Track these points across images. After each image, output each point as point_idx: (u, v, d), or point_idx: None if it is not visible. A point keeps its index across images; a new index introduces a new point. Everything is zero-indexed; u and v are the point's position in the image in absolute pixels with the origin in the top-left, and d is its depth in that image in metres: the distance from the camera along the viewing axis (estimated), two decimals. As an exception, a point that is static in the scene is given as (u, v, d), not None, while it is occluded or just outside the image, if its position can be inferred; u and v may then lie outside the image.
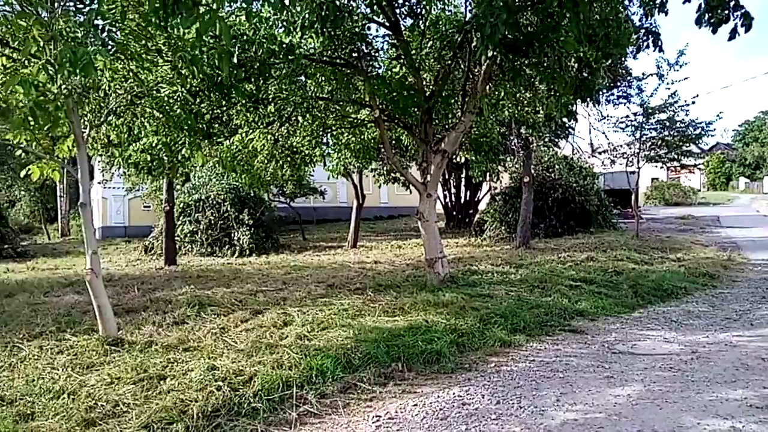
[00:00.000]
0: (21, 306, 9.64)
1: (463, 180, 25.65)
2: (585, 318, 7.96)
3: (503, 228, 20.20)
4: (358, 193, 19.85)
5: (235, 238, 18.76)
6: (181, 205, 19.81)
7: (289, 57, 8.04)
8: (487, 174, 14.93)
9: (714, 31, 7.44)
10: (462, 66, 9.94)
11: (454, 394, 5.26)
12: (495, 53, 8.43)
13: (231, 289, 10.56)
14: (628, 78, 17.98)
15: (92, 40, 4.73)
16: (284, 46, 7.99)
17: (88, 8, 4.48)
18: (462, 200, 26.53)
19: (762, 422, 4.26)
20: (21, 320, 8.36)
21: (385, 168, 20.18)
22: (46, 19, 4.74)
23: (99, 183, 26.61)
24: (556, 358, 6.25)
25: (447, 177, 25.81)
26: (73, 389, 5.08)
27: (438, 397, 5.21)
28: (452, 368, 5.99)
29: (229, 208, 19.10)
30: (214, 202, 19.38)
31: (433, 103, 9.93)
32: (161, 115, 7.28)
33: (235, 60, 7.74)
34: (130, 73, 6.51)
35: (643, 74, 18.05)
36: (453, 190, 26.42)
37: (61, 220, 36.92)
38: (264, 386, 5.12)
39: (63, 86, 5.33)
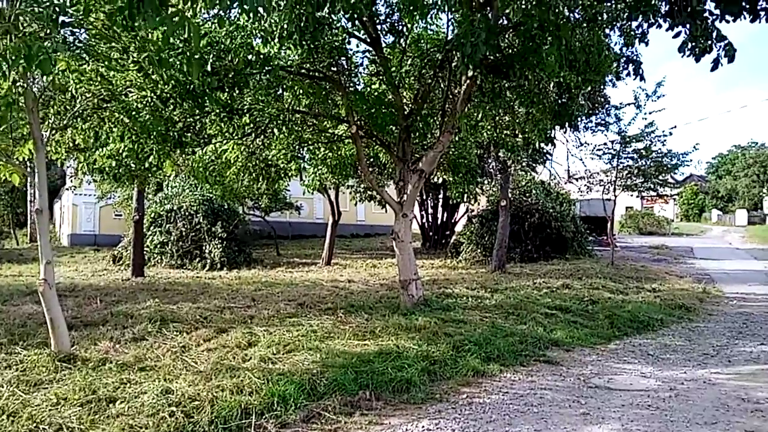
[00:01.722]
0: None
1: (440, 200, 25.51)
2: (560, 348, 7.75)
3: (479, 251, 20.06)
4: (334, 210, 19.54)
5: (207, 250, 18.28)
6: (152, 215, 19.30)
7: (266, 68, 7.78)
8: (465, 195, 14.71)
9: (697, 60, 7.40)
10: (442, 85, 9.77)
11: (423, 427, 4.98)
12: (475, 73, 8.28)
13: (197, 305, 10.16)
14: (607, 106, 18.07)
15: (51, 35, 4.42)
16: (261, 56, 7.73)
17: (48, 2, 4.17)
18: (439, 221, 26.36)
19: (744, 469, 4.05)
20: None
21: (361, 185, 19.94)
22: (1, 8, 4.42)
23: (68, 189, 25.90)
24: (530, 390, 6.01)
25: (424, 197, 25.66)
26: (15, 409, 4.68)
27: (406, 430, 4.92)
28: (422, 398, 5.71)
29: (201, 220, 18.65)
30: (186, 213, 18.91)
31: (411, 121, 9.75)
32: (128, 121, 6.95)
33: (208, 68, 7.47)
34: (97, 75, 6.18)
35: (621, 103, 18.16)
36: (430, 211, 26.24)
37: (31, 225, 35.93)
38: (221, 413, 4.79)
39: (18, 84, 4.99)
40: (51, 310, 6.12)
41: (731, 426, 4.88)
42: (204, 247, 18.38)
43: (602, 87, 17.66)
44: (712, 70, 7.31)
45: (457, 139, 12.85)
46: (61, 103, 7.87)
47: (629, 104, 17.85)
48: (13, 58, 4.04)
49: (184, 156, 11.43)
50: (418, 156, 10.41)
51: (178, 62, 5.60)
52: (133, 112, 7.11)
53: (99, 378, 5.52)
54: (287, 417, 5.01)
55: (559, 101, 9.95)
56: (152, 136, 7.51)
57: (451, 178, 13.89)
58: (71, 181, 24.04)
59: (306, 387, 5.51)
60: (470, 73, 8.52)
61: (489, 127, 12.06)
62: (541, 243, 20.13)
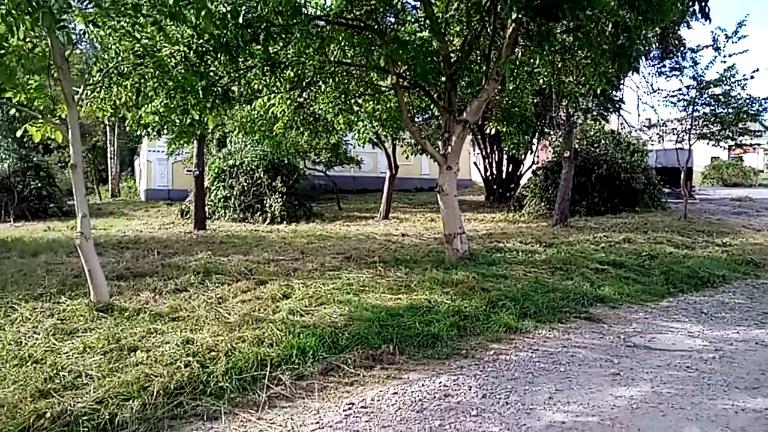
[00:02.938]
0: (39, 266, 9.69)
1: (505, 153, 24.76)
2: (606, 305, 7.37)
3: (543, 204, 19.42)
4: (391, 164, 19.36)
5: (267, 205, 18.64)
6: (216, 170, 19.81)
7: (298, 18, 7.59)
8: (520, 146, 14.10)
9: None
10: (488, 30, 9.26)
11: (440, 383, 4.86)
12: (520, 15, 7.74)
13: (247, 257, 10.37)
14: (681, 49, 16.71)
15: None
16: (294, 5, 7.53)
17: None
18: (504, 174, 25.68)
19: (779, 439, 3.70)
20: (32, 280, 8.39)
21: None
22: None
23: (141, 145, 26.95)
24: (562, 348, 5.75)
25: (488, 150, 25.00)
26: (42, 356, 4.92)
27: (423, 385, 4.82)
28: (447, 354, 5.58)
29: (262, 175, 18.97)
30: (248, 169, 19.28)
31: (456, 69, 9.32)
32: (163, 76, 6.99)
33: (240, 20, 7.36)
34: (125, 32, 6.20)
35: (698, 46, 16.70)
36: (494, 164, 25.57)
37: (112, 182, 37.93)
38: (237, 364, 4.83)
39: (28, 39, 5.07)
40: (89, 261, 6.36)
41: (774, 392, 4.48)
42: (265, 202, 18.75)
43: (676, 28, 16.38)
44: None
45: (511, 87, 12.31)
46: (103, 61, 8.07)
47: (707, 46, 16.43)
48: (18, 12, 4.07)
49: (231, 111, 11.54)
50: (464, 106, 10.02)
51: (192, 16, 5.50)
52: (168, 68, 7.12)
53: (129, 327, 5.72)
54: (305, 369, 5.01)
55: (618, 43, 9.23)
56: (188, 91, 7.52)
57: (504, 129, 13.35)
58: (149, 136, 25.06)
59: (327, 340, 5.49)
60: (514, 16, 7.99)
61: (546, 74, 11.42)
62: (609, 195, 19.21)
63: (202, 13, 5.22)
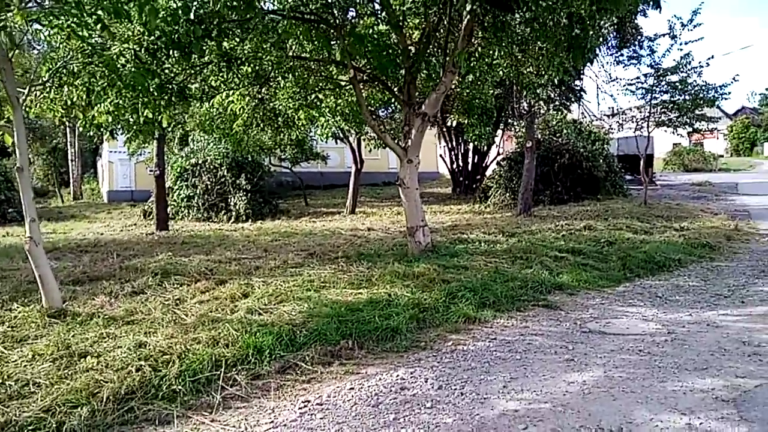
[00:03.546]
0: (-7, 272, 9.42)
1: (470, 145, 24.87)
2: (564, 292, 7.47)
3: (508, 194, 19.58)
4: (356, 158, 19.31)
5: (232, 203, 18.43)
6: (178, 170, 19.50)
7: (250, 12, 7.48)
8: (482, 138, 14.17)
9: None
10: (445, 22, 9.27)
11: (397, 376, 4.86)
12: (474, 6, 7.77)
13: (209, 257, 10.24)
14: (639, 38, 16.98)
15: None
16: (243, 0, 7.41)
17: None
18: (470, 166, 25.81)
19: (724, 419, 3.77)
20: (-18, 288, 8.15)
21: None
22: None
23: (102, 146, 26.37)
24: (520, 336, 5.81)
25: (455, 142, 25.09)
26: (-13, 366, 4.78)
27: (380, 379, 4.81)
28: (406, 347, 5.59)
29: (225, 173, 18.74)
30: (211, 167, 19.02)
31: (414, 62, 9.31)
32: (112, 74, 6.82)
33: (192, 16, 7.23)
34: (70, 31, 6.02)
35: (654, 34, 17.00)
36: (460, 156, 25.66)
37: (73, 184, 37.02)
38: (191, 366, 4.76)
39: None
40: (39, 266, 6.19)
41: (722, 372, 4.59)
42: (229, 200, 18.53)
43: (633, 17, 16.64)
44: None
45: (471, 79, 12.35)
46: (52, 60, 7.86)
47: (664, 35, 16.74)
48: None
49: (189, 109, 11.35)
50: (424, 99, 10.02)
51: (135, 13, 5.37)
52: (116, 66, 6.96)
53: (81, 333, 5.59)
54: (261, 368, 4.96)
55: (572, 33, 9.33)
56: (139, 90, 7.36)
57: (466, 121, 13.41)
58: (106, 139, 24.49)
59: (285, 338, 5.44)
60: (469, 7, 8.01)
61: (505, 65, 11.49)
62: (571, 184, 19.49)
63: (146, 9, 5.09)
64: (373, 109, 14.39)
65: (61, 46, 7.58)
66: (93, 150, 41.02)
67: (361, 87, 10.48)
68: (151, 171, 19.03)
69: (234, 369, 4.89)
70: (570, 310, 6.72)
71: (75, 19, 5.77)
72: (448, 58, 9.02)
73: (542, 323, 6.27)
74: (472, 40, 10.86)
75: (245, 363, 5.00)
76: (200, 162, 19.16)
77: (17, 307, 6.60)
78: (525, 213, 15.89)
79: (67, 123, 31.77)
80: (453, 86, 12.43)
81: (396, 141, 10.33)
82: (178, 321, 6.10)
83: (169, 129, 15.54)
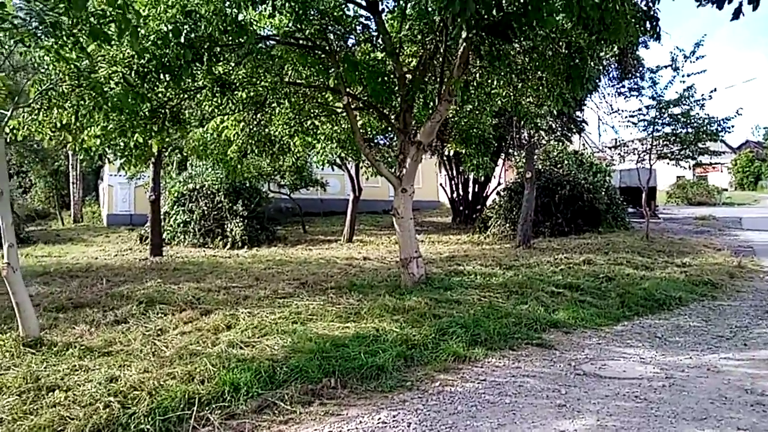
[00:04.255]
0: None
1: (471, 174, 24.74)
2: (559, 330, 7.20)
3: (507, 225, 19.35)
4: (355, 186, 19.17)
5: (228, 229, 18.22)
6: (176, 195, 19.36)
7: (242, 37, 7.38)
8: (480, 168, 14.01)
9: (720, 7, 6.64)
10: (442, 50, 9.18)
11: (379, 419, 4.60)
12: (470, 35, 7.65)
13: (199, 284, 10.02)
14: (640, 69, 16.93)
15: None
16: (237, 24, 7.33)
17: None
18: (470, 195, 25.65)
19: (723, 475, 3.51)
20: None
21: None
22: None
23: (104, 170, 26.28)
24: (511, 377, 5.54)
25: (455, 171, 24.96)
26: (-48, 398, 4.54)
27: (360, 422, 4.56)
28: (392, 386, 5.33)
29: (222, 199, 18.58)
30: (208, 192, 18.87)
31: (409, 90, 9.20)
32: (98, 98, 6.69)
33: (182, 39, 7.14)
34: (55, 52, 5.90)
35: (657, 66, 16.95)
36: (460, 185, 25.52)
37: (74, 207, 36.94)
38: (162, 403, 4.51)
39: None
40: (16, 294, 5.99)
41: (722, 422, 4.32)
42: (226, 226, 18.33)
43: (634, 48, 16.61)
44: (733, 19, 6.55)
45: (469, 108, 12.25)
46: (41, 82, 7.75)
47: (666, 66, 16.68)
48: None
49: (185, 134, 11.24)
50: (419, 128, 9.89)
51: (112, 33, 5.25)
52: (104, 89, 6.84)
53: (54, 364, 5.36)
54: (236, 407, 4.72)
55: (571, 63, 9.23)
56: (128, 113, 7.23)
57: (464, 150, 13.27)
58: (103, 162, 24.40)
59: (264, 374, 5.20)
60: (464, 35, 7.90)
61: (504, 95, 11.39)
62: (572, 216, 19.27)
63: (127, 31, 4.97)
64: (370, 137, 14.29)
65: (50, 68, 7.49)
66: (95, 173, 41.04)
67: (356, 114, 10.37)
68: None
69: (208, 407, 4.65)
70: (565, 350, 6.44)
71: (58, 40, 5.66)
72: (444, 87, 8.89)
73: (535, 363, 5.99)
74: (470, 69, 10.79)
75: (220, 401, 4.76)
76: (197, 187, 19.02)
77: (-5, 335, 6.38)
78: (524, 245, 15.65)
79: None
80: (450, 115, 12.32)
81: (393, 170, 10.18)
82: (156, 353, 5.87)
83: (166, 153, 15.49)
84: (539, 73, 9.98)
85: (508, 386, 5.30)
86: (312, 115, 10.87)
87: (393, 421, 4.57)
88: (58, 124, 8.04)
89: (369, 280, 10.14)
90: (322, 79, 9.82)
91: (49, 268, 13.20)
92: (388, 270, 11.81)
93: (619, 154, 19.28)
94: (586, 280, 9.61)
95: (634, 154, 18.54)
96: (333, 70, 8.70)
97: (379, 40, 9.19)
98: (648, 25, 8.66)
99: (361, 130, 12.34)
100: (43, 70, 7.86)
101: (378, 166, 9.61)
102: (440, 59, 9.27)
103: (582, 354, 6.30)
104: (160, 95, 8.91)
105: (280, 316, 7.21)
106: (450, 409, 4.78)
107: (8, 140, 8.24)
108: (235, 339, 6.21)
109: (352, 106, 9.57)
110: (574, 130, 21.64)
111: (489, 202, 24.42)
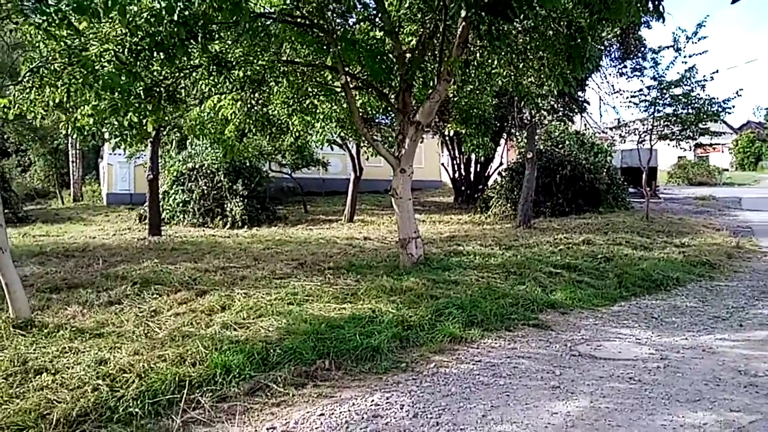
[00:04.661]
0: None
1: (473, 154, 24.60)
2: (556, 311, 7.17)
3: (508, 205, 19.29)
4: (355, 165, 19.06)
5: (228, 209, 18.17)
6: (175, 174, 19.28)
7: (237, 14, 7.24)
8: (480, 148, 13.88)
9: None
10: (441, 29, 9.03)
11: (372, 401, 4.58)
12: (469, 14, 7.51)
13: (196, 265, 9.98)
14: (642, 50, 16.69)
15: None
16: (230, 1, 7.17)
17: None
18: (472, 175, 25.53)
19: (716, 458, 3.49)
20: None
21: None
22: None
23: (103, 148, 26.15)
24: (506, 359, 5.52)
25: (457, 151, 24.81)
26: (-63, 380, 4.52)
27: (353, 404, 4.54)
28: (386, 367, 5.30)
29: (222, 178, 18.49)
30: (208, 172, 18.77)
31: (409, 69, 9.06)
32: (88, 76, 6.59)
33: (175, 17, 7.00)
34: (44, 30, 5.80)
35: (659, 47, 16.69)
36: (462, 165, 25.39)
37: (74, 186, 36.88)
38: (152, 386, 4.49)
39: None
40: (5, 275, 5.94)
41: (715, 404, 4.30)
42: (225, 206, 18.27)
43: (636, 28, 16.40)
44: (734, 2, 6.40)
45: (469, 88, 12.11)
46: (32, 60, 7.65)
47: (668, 47, 16.46)
48: None
49: (183, 113, 11.14)
50: (419, 108, 9.77)
51: (99, 9, 5.13)
52: (95, 68, 6.73)
53: (44, 346, 5.33)
54: (228, 390, 4.69)
55: (572, 43, 9.08)
56: (119, 92, 7.13)
57: (464, 131, 13.14)
58: (102, 142, 24.21)
59: (257, 356, 5.17)
60: (463, 14, 7.76)
61: (504, 75, 11.23)
62: (573, 196, 19.20)
63: (114, 7, 4.86)
64: (371, 116, 14.17)
65: (41, 45, 7.37)
66: (95, 151, 40.87)
67: (355, 94, 10.24)
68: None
69: (199, 390, 4.62)
70: (561, 331, 6.42)
71: (47, 17, 5.55)
72: (443, 66, 8.76)
73: (531, 344, 5.97)
74: (470, 49, 10.64)
75: (212, 383, 4.73)
76: (197, 166, 18.92)
77: (-14, 316, 6.36)
78: (524, 225, 15.60)
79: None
80: (450, 95, 12.18)
81: (392, 150, 10.09)
82: (149, 335, 5.85)
83: (164, 132, 15.37)
84: (540, 52, 9.84)
85: (503, 367, 5.28)
86: (311, 94, 10.74)
87: (386, 403, 4.54)
88: (51, 103, 7.94)
89: (368, 261, 10.11)
90: (322, 58, 9.67)
91: (46, 247, 13.16)
92: (387, 250, 11.77)
93: (620, 134, 19.09)
94: (585, 261, 9.58)
95: (635, 134, 18.37)
96: (331, 48, 8.55)
97: (378, 19, 9.03)
98: (650, 4, 8.51)
99: (360, 110, 12.26)
100: (34, 48, 7.76)
101: (376, 146, 9.53)
102: (439, 38, 9.12)
103: (578, 335, 6.27)
104: (155, 74, 8.80)
105: (276, 297, 7.18)
106: (444, 390, 4.76)
107: (1, 119, 8.14)
108: (229, 320, 6.18)
109: (351, 86, 9.44)
110: (576, 111, 21.42)
111: (491, 182, 24.35)
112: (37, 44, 7.49)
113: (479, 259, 9.91)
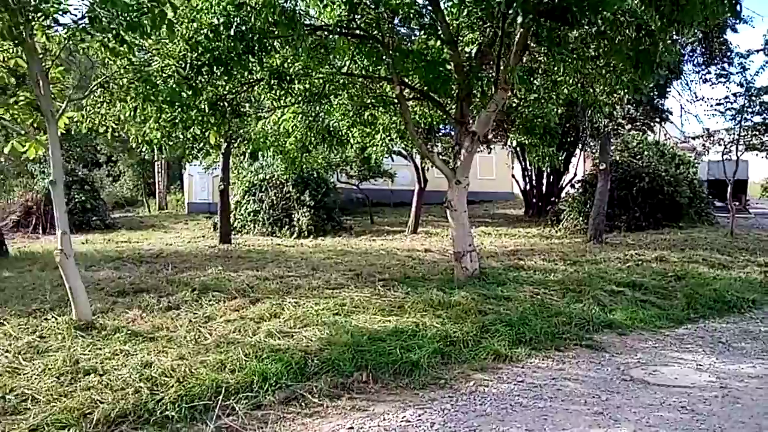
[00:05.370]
0: (51, 280, 9.77)
1: (541, 165, 23.97)
2: (613, 331, 6.80)
3: (580, 219, 18.63)
4: (420, 177, 19.00)
5: (295, 218, 18.57)
6: (247, 184, 19.93)
7: (293, 28, 7.40)
8: (545, 159, 13.47)
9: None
10: (498, 36, 8.85)
11: (403, 417, 4.49)
12: (526, 20, 7.31)
13: (257, 273, 10.23)
14: (728, 54, 15.73)
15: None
16: (284, 15, 7.34)
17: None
18: (543, 187, 24.87)
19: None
20: (35, 295, 8.45)
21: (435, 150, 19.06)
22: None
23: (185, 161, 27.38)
24: (551, 380, 5.28)
25: (528, 162, 24.24)
26: (-4, 377, 4.82)
27: (384, 419, 4.47)
28: (424, 383, 5.20)
29: (290, 189, 18.94)
30: (277, 182, 19.30)
31: (467, 78, 8.93)
32: (150, 90, 6.91)
33: (231, 32, 7.25)
34: (108, 47, 6.12)
35: (747, 51, 15.70)
36: (534, 176, 24.78)
37: (159, 195, 38.87)
38: (191, 391, 4.60)
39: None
40: (69, 278, 6.28)
41: (775, 441, 3.92)
42: (293, 215, 18.69)
43: (721, 32, 15.49)
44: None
45: (533, 97, 11.80)
46: (102, 76, 8.09)
47: (758, 51, 15.48)
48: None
49: (250, 126, 11.49)
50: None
51: (148, 27, 5.35)
52: (153, 83, 7.03)
53: (98, 348, 5.58)
54: (264, 398, 4.73)
55: (640, 48, 8.68)
56: (179, 106, 7.42)
57: (528, 141, 12.82)
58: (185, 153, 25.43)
59: (294, 366, 5.20)
60: (519, 20, 7.57)
61: (570, 83, 10.87)
62: (651, 210, 18.31)
63: (163, 24, 5.07)
64: (431, 127, 14.10)
65: (108, 62, 7.79)
66: (180, 162, 42.93)
67: (413, 104, 10.20)
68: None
69: (235, 397, 4.68)
70: (615, 353, 6.08)
71: (104, 34, 5.84)
72: (500, 75, 8.58)
73: (580, 366, 5.69)
74: (535, 56, 10.38)
75: (248, 391, 4.78)
76: (267, 177, 19.48)
77: (51, 318, 6.74)
78: (596, 239, 15.00)
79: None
80: (514, 104, 11.93)
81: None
82: (198, 340, 6.00)
83: (236, 145, 15.89)
84: (606, 59, 9.47)
85: (546, 389, 5.05)
86: (370, 105, 10.80)
87: (417, 420, 4.44)
88: (122, 117, 8.36)
89: (424, 273, 10.03)
90: (378, 69, 9.73)
91: (124, 253, 13.86)
92: (447, 263, 11.61)
93: (703, 144, 18.06)
94: (653, 279, 9.07)
95: (720, 144, 17.32)
96: (386, 59, 8.57)
97: (436, 28, 8.96)
98: (726, 3, 8.03)
99: (420, 121, 12.20)
100: (101, 65, 8.22)
101: (431, 157, 9.47)
102: (498, 47, 8.95)
103: (634, 358, 5.92)
104: (220, 88, 9.10)
105: (324, 307, 7.22)
106: (479, 410, 4.61)
107: (73, 132, 8.65)
108: (275, 329, 6.26)
109: (408, 96, 9.42)
110: (657, 120, 20.46)
111: (563, 195, 23.63)
112: (104, 61, 7.92)
113: (538, 274, 9.61)
